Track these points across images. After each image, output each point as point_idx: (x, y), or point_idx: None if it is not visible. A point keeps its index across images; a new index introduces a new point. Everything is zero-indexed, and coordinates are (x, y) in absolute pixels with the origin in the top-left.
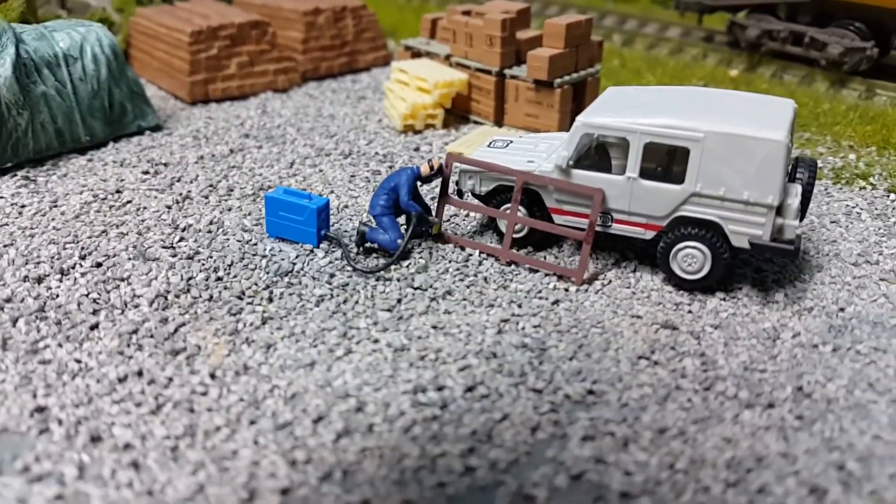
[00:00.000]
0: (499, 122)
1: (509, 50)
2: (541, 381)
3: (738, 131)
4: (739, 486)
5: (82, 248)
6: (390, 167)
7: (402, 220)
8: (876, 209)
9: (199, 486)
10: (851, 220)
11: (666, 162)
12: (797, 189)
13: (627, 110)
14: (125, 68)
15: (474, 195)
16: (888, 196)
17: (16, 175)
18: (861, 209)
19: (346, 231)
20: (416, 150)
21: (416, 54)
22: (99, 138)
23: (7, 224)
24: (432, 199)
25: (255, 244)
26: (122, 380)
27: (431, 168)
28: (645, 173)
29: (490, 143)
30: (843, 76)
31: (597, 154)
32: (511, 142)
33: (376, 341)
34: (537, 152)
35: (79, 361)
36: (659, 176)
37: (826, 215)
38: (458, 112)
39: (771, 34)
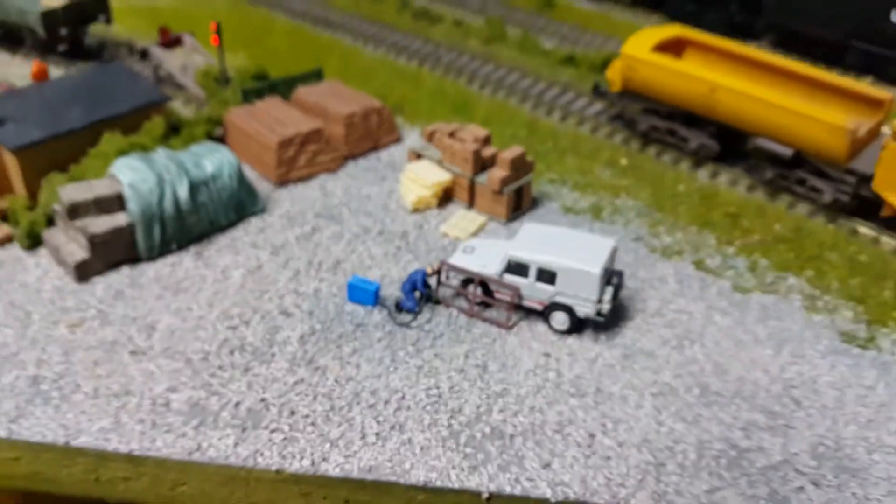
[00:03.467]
0: (471, 205)
1: (478, 164)
2: (488, 383)
3: (578, 266)
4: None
5: (252, 308)
6: (407, 243)
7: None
8: (680, 277)
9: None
10: (663, 283)
11: (546, 276)
12: (610, 290)
13: (533, 246)
14: (244, 178)
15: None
16: (691, 266)
17: (189, 251)
18: (670, 276)
19: (387, 296)
20: (421, 227)
21: (419, 156)
22: (233, 222)
23: (202, 290)
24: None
25: (342, 306)
26: (296, 383)
27: (434, 270)
28: (538, 279)
29: (463, 249)
30: (699, 161)
31: (517, 267)
32: (475, 248)
33: (406, 363)
34: (489, 258)
35: (270, 375)
36: (544, 280)
37: (648, 280)
38: (447, 196)
39: (655, 127)
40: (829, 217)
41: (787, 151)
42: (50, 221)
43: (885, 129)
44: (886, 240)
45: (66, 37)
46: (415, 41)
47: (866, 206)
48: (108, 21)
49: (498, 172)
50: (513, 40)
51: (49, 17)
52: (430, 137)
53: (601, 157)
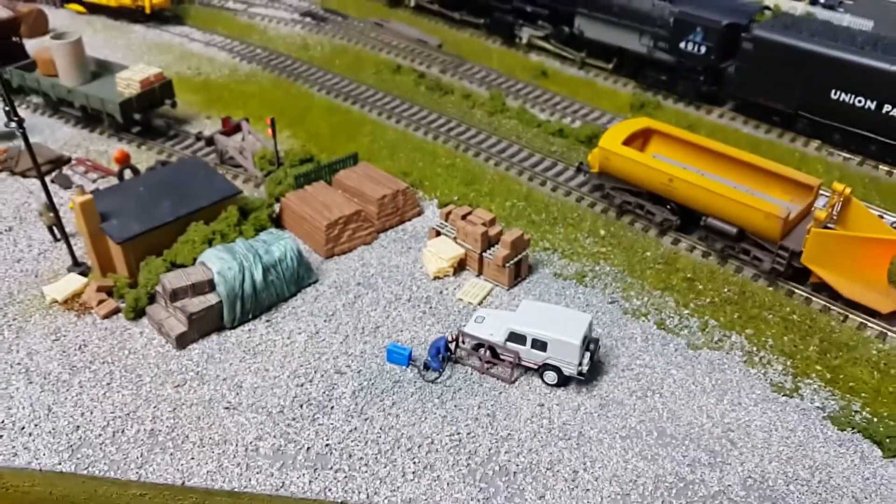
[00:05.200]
0: (480, 273)
1: (485, 242)
2: (496, 429)
3: (563, 338)
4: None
5: (313, 368)
6: (430, 307)
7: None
8: (645, 335)
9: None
10: (632, 341)
11: (539, 344)
12: (588, 354)
13: (529, 321)
14: (302, 258)
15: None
16: (654, 326)
17: (261, 319)
18: (637, 335)
19: (417, 356)
20: (441, 293)
21: (438, 233)
22: (293, 293)
23: (274, 352)
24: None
25: (382, 365)
26: (351, 430)
27: (453, 337)
28: (533, 346)
29: (475, 319)
30: (663, 231)
31: (517, 337)
32: (485, 318)
33: (434, 413)
34: (496, 328)
35: (331, 424)
36: (537, 347)
37: (620, 338)
38: (461, 266)
39: (628, 202)
40: (770, 281)
41: (731, 229)
42: (150, 298)
43: (817, 210)
44: (816, 300)
45: (139, 120)
46: (430, 114)
47: (800, 273)
48: (174, 105)
49: (501, 251)
50: (512, 110)
51: (126, 105)
52: (447, 217)
53: (584, 226)
